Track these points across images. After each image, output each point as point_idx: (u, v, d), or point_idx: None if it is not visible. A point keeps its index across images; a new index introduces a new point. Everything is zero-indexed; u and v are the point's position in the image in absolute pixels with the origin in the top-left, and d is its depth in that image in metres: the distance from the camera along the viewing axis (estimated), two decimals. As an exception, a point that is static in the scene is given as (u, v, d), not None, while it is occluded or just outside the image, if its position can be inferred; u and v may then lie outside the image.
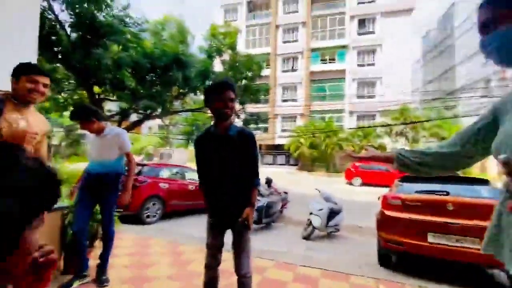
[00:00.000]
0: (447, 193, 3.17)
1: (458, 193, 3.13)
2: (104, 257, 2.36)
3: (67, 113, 10.64)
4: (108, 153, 2.37)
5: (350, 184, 15.57)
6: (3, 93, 1.58)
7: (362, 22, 23.75)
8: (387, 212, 3.32)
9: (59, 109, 9.93)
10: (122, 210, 2.92)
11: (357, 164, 16.42)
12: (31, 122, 1.65)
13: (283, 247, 4.06)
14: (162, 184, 5.84)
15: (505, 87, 16.17)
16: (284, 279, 2.73)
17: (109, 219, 2.38)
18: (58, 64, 7.78)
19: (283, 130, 24.65)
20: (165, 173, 6.29)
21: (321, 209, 4.80)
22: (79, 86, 8.84)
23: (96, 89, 8.58)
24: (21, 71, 1.56)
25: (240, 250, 1.68)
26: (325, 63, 24.92)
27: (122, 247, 3.40)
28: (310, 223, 4.84)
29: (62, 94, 9.64)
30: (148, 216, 5.37)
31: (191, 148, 30.98)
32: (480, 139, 0.80)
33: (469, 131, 0.84)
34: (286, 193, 6.82)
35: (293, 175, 19.04)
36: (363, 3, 23.79)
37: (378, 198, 3.94)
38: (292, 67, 25.60)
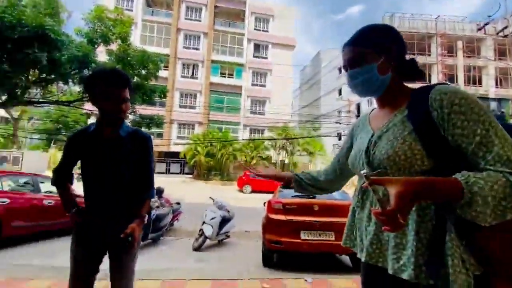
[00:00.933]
0: (314, 197, 3.95)
1: (321, 196, 3.97)
2: None
3: None
4: None
5: (241, 191, 16.67)
6: None
7: (257, 47, 26.69)
8: (271, 216, 3.76)
9: None
10: None
11: (248, 173, 17.94)
12: None
13: (172, 262, 3.78)
14: (-2, 200, 4.17)
15: (350, 117, 22.61)
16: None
17: None
18: None
19: (180, 137, 23.59)
20: (5, 184, 4.56)
21: (213, 218, 4.84)
22: None
23: None
24: None
25: (120, 277, 1.35)
26: (224, 76, 26.14)
27: None
28: (202, 233, 4.76)
29: None
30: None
31: (53, 151, 24.25)
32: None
33: (340, 157, 1.07)
34: (178, 203, 6.46)
35: (188, 184, 18.39)
36: (259, 30, 26.92)
37: (264, 204, 4.42)
38: (192, 74, 25.26)
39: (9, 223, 4.22)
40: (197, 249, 4.65)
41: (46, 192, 5.17)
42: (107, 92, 1.26)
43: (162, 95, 10.75)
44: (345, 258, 4.19)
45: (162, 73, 11.74)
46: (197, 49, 25.50)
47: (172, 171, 23.46)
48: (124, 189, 1.35)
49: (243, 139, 23.20)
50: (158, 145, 22.58)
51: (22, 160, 17.31)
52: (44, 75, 7.85)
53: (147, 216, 1.48)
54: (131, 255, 1.38)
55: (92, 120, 20.26)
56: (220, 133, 22.22)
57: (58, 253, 4.08)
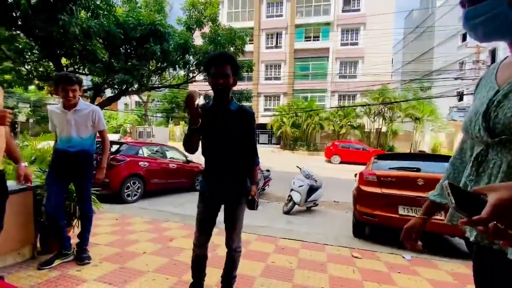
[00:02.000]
0: (418, 170, 3.40)
1: (428, 169, 3.37)
2: (83, 236, 2.32)
3: (32, 87, 9.74)
4: (82, 130, 2.23)
5: (329, 162, 16.19)
6: None
7: (347, -2, 23.26)
8: (364, 188, 3.51)
9: (23, 82, 9.04)
10: (101, 189, 2.82)
11: (336, 143, 17.07)
12: None
13: (265, 221, 4.22)
14: (142, 163, 5.69)
15: (477, 69, 16.87)
16: (266, 250, 2.87)
17: (84, 198, 2.30)
18: (18, 32, 6.95)
19: (266, 109, 24.55)
20: (145, 152, 6.12)
21: (301, 186, 5.00)
22: (44, 57, 8.03)
23: (64, 60, 7.86)
24: None
25: (234, 225, 1.69)
26: (309, 40, 24.49)
27: (103, 226, 3.35)
28: (290, 199, 5.04)
29: (26, 66, 8.73)
30: (128, 195, 5.27)
31: (171, 126, 29.87)
32: None
33: None
34: (268, 171, 6.95)
35: (276, 154, 19.38)
36: (349, -22, 23.12)
37: (355, 175, 4.16)
38: (276, 43, 24.93)
39: (149, 180, 5.74)
40: (287, 213, 4.99)
41: (170, 158, 6.64)
42: (209, 70, 1.54)
43: (249, 70, 11.23)
44: (458, 242, 3.52)
45: (248, 47, 12.11)
46: (280, 15, 24.67)
47: (261, 142, 25.04)
48: (236, 155, 1.62)
49: (331, 107, 21.78)
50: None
51: (152, 133, 22.58)
52: (159, 64, 9.58)
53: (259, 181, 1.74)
54: (242, 210, 1.70)
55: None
56: (305, 103, 21.61)
57: (182, 204, 5.30)
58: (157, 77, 11.39)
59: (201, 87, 13.00)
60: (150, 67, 9.48)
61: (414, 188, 3.18)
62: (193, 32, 9.73)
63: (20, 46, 7.77)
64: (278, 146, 23.21)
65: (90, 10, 6.50)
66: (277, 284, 2.12)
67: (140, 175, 5.54)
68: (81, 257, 2.26)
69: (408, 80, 23.05)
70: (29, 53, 8.33)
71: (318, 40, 24.25)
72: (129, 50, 8.30)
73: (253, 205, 1.60)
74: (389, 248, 3.17)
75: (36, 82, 9.19)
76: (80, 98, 2.27)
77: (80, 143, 2.23)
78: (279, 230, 3.78)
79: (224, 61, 1.52)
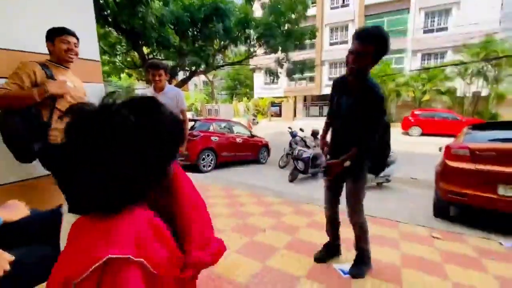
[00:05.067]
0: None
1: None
2: None
3: (123, 75, 11.62)
4: (172, 109, 2.62)
5: (407, 134, 14.30)
6: (43, 60, 1.64)
7: None
8: (451, 163, 3.03)
9: (117, 71, 10.86)
10: (183, 159, 3.30)
11: (417, 112, 14.72)
12: (76, 84, 1.76)
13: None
14: (213, 138, 6.29)
15: None
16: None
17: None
18: (110, 28, 8.23)
19: (331, 79, 22.80)
20: (215, 128, 6.70)
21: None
22: (130, 49, 9.37)
23: (145, 49, 8.99)
24: (54, 33, 1.62)
25: (353, 198, 1.83)
26: (384, -9, 20.74)
27: (186, 191, 3.95)
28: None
29: (118, 58, 10.40)
30: (204, 166, 5.99)
31: (235, 103, 31.16)
32: None
33: None
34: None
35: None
36: None
37: (440, 149, 3.60)
38: (343, 2, 22.10)
39: (220, 153, 6.33)
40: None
41: (236, 133, 7.10)
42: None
43: (312, 36, 10.48)
44: None
45: (309, 11, 11.18)
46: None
47: (325, 114, 23.79)
48: (357, 132, 1.64)
49: (411, 70, 18.54)
50: (310, 89, 23.27)
51: (219, 110, 24.26)
52: (222, 43, 9.92)
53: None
54: (356, 186, 1.81)
55: (256, 74, 23.93)
56: (378, 67, 18.91)
57: (248, 175, 5.71)
58: (220, 55, 11.88)
59: (262, 61, 12.93)
60: (215, 46, 9.93)
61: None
62: (252, 4, 9.54)
63: (112, 41, 9.21)
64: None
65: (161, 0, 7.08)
66: (347, 254, 2.14)
67: (213, 148, 6.17)
68: None
69: (528, 24, 17.24)
70: (118, 46, 9.84)
71: (395, -11, 20.27)
72: (195, 32, 8.83)
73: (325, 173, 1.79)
74: (480, 232, 2.73)
75: (126, 70, 10.90)
76: (167, 82, 2.63)
77: None
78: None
79: (364, 40, 1.44)
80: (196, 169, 5.77)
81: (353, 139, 1.65)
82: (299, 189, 4.64)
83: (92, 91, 1.98)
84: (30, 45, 1.76)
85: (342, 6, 22.09)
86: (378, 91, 1.55)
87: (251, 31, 9.53)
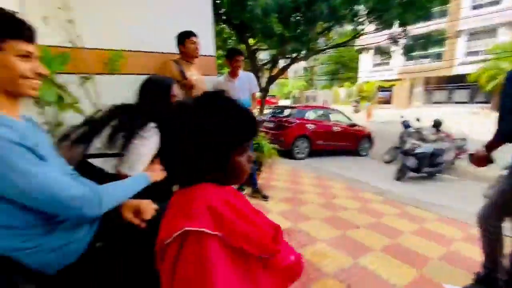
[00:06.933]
0: None
1: None
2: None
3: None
4: (243, 93, 2.78)
5: None
6: (174, 59, 2.07)
7: None
8: None
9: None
10: (278, 145, 3.47)
11: None
12: (199, 77, 2.17)
13: (449, 201, 3.36)
14: (308, 125, 6.21)
15: None
16: (449, 234, 2.34)
17: None
18: (223, 25, 9.32)
19: (471, 53, 17.36)
20: (311, 115, 6.58)
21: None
22: (239, 42, 10.34)
23: (251, 41, 9.70)
24: (184, 36, 2.04)
25: None
26: None
27: (280, 175, 4.16)
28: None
29: (228, 51, 11.71)
30: (298, 153, 6.06)
31: (335, 88, 29.33)
32: None
33: None
34: (464, 139, 5.26)
35: (481, 117, 13.85)
36: None
37: None
38: None
39: (315, 141, 6.20)
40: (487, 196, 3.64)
41: (334, 121, 6.73)
42: None
43: (444, 1, 8.27)
44: None
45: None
46: None
47: (458, 100, 18.54)
48: None
49: None
50: (436, 68, 18.64)
51: (316, 97, 23.53)
52: (325, 24, 9.35)
53: None
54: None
55: (363, 55, 21.19)
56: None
57: (345, 167, 5.36)
58: (322, 38, 11.29)
59: (370, 40, 11.45)
60: (317, 30, 9.51)
61: None
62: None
63: (225, 36, 10.41)
64: (487, 105, 16.22)
65: (266, -11, 7.34)
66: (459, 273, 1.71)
67: (307, 136, 6.12)
68: (263, 195, 3.03)
69: None
70: (229, 41, 11.05)
71: None
72: (298, 17, 8.72)
73: None
74: None
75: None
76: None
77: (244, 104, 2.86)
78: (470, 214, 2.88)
79: None
80: (290, 155, 5.92)
81: None
82: (407, 190, 3.96)
83: (208, 82, 2.35)
84: (163, 46, 2.23)
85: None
86: None
87: (361, 6, 8.47)
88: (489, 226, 1.44)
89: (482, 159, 1.47)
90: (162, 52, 2.20)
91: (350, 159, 6.38)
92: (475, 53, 17.01)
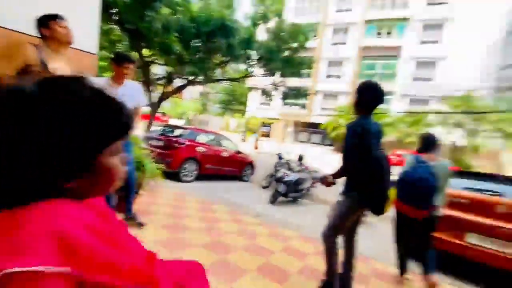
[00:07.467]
0: (500, 194, 2.84)
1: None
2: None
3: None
4: (129, 103, 2.53)
5: (387, 172, 14.72)
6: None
7: (433, -11, 20.33)
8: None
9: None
10: (164, 166, 3.21)
11: (399, 152, 15.36)
12: (67, 72, 1.75)
13: (307, 221, 4.14)
14: (199, 148, 6.20)
15: None
16: (307, 250, 2.84)
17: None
18: (113, 26, 8.26)
19: (323, 109, 23.60)
20: (202, 138, 6.63)
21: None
22: (131, 48, 9.38)
23: (145, 52, 9.03)
24: (50, 18, 1.61)
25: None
26: (381, 37, 22.38)
27: (163, 198, 3.81)
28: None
29: (117, 55, 10.35)
30: (185, 175, 5.84)
31: (227, 117, 31.10)
32: None
33: None
34: (317, 171, 6.76)
35: (328, 156, 18.56)
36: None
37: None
38: (343, 40, 23.53)
39: (204, 164, 6.22)
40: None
41: (224, 147, 7.06)
42: None
43: (309, 66, 10.99)
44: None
45: (312, 42, 11.82)
46: (349, 10, 23.16)
47: (314, 141, 24.26)
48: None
49: (398, 112, 19.59)
50: (301, 115, 23.85)
51: (209, 122, 24.30)
52: (223, 58, 10.16)
53: None
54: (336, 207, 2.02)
55: (252, 93, 24.48)
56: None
57: (230, 191, 5.61)
58: (219, 70, 12.11)
59: (259, 81, 13.28)
60: (215, 60, 10.14)
61: (492, 214, 2.68)
62: (257, 27, 9.99)
63: (114, 38, 9.19)
64: (332, 147, 22.16)
65: (171, 7, 7.26)
66: None
67: (197, 158, 6.06)
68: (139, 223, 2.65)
69: (505, 87, 18.98)
70: (119, 44, 9.83)
71: (390, 36, 21.98)
72: (199, 44, 9.03)
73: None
74: (451, 278, 2.76)
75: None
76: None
77: None
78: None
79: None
80: (177, 177, 5.61)
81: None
82: (278, 212, 4.59)
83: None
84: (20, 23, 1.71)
85: (341, 44, 23.52)
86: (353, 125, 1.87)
87: (253, 51, 9.88)
88: (329, 242, 1.87)
89: (329, 182, 2.02)
90: (15, 31, 1.66)
91: (235, 183, 6.79)
92: (326, 109, 23.28)
